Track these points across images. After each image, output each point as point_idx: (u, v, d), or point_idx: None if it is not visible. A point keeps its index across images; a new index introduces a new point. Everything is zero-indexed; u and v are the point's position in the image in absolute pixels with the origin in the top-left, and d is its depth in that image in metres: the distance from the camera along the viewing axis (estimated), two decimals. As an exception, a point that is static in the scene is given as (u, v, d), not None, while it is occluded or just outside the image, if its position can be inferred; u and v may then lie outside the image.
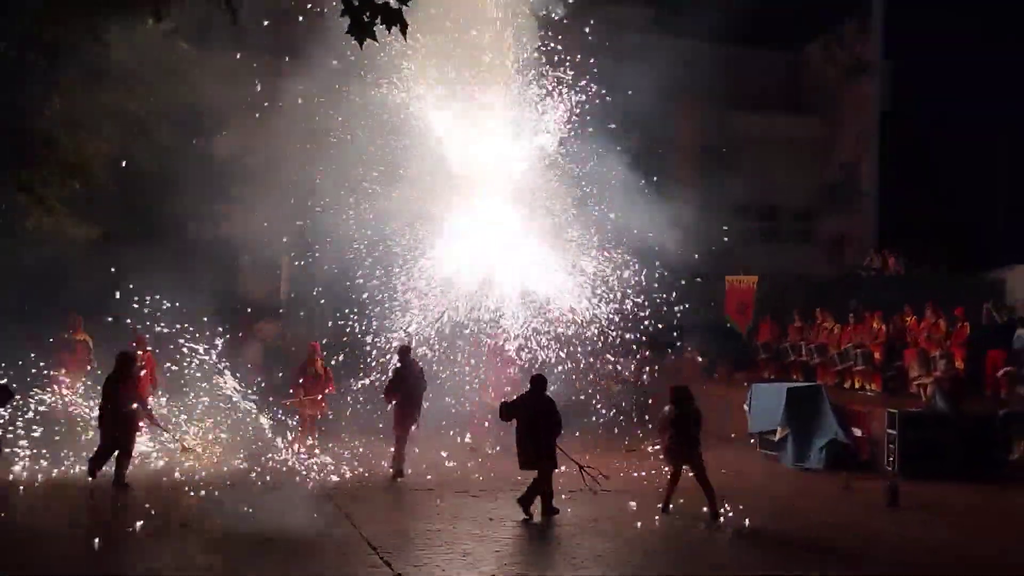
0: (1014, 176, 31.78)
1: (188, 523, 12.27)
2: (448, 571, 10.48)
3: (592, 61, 19.30)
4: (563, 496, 14.24)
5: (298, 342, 22.70)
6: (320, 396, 18.53)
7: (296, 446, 17.43)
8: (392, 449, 16.22)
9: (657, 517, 13.59)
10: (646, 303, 19.98)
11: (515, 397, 14.60)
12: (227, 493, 14.04)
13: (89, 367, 18.84)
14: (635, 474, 16.87)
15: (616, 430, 19.96)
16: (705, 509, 13.61)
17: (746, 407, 20.06)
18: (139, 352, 17.23)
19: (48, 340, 19.18)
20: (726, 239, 24.08)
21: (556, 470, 13.71)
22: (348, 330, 19.61)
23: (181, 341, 18.13)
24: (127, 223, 21.34)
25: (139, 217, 21.65)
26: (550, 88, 18.90)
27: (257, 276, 26.71)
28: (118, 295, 18.67)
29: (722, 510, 13.60)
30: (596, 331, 19.44)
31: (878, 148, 33.94)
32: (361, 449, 17.94)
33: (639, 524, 13.27)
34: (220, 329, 18.90)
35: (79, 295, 20.66)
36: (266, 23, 19.65)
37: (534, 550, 11.91)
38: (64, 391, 18.10)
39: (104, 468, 14.71)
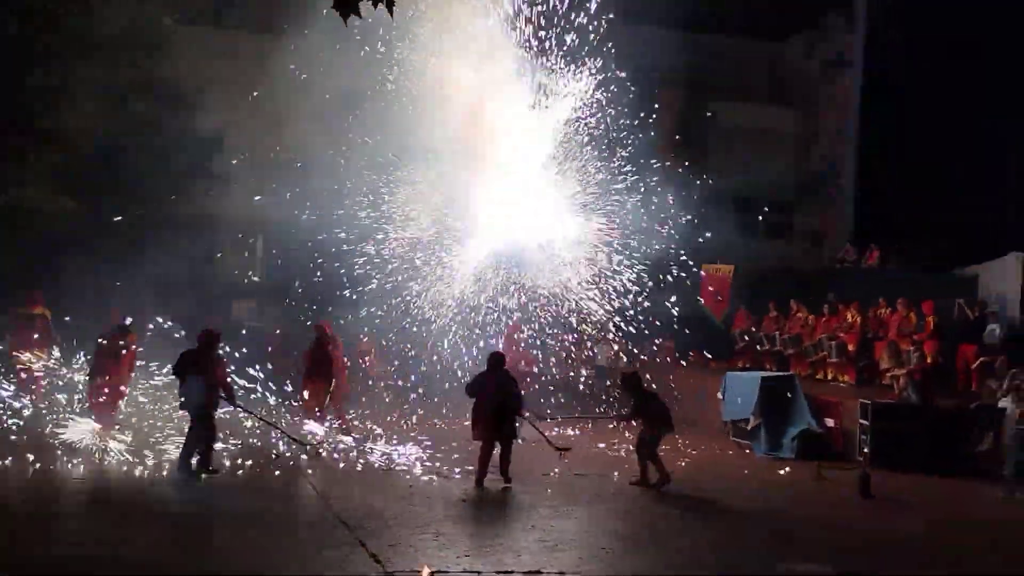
0: (990, 174, 32.00)
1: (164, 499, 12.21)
2: (422, 551, 10.48)
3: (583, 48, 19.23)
4: (536, 481, 14.36)
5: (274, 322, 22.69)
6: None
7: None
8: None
9: (628, 503, 13.66)
10: (623, 291, 20.01)
11: (477, 375, 15.08)
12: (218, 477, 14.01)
13: (53, 343, 18.30)
14: (610, 455, 16.97)
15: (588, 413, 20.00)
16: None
17: (720, 395, 20.20)
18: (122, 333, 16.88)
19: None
20: (707, 233, 24.12)
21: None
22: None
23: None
24: (106, 197, 21.19)
25: (119, 192, 21.49)
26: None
27: (235, 254, 26.59)
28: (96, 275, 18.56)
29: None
30: (574, 317, 19.49)
31: (856, 142, 34.13)
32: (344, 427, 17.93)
33: (610, 510, 13.34)
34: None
35: (57, 271, 20.60)
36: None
37: (508, 532, 11.94)
38: (32, 373, 17.72)
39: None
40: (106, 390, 16.03)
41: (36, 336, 18.00)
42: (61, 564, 9.50)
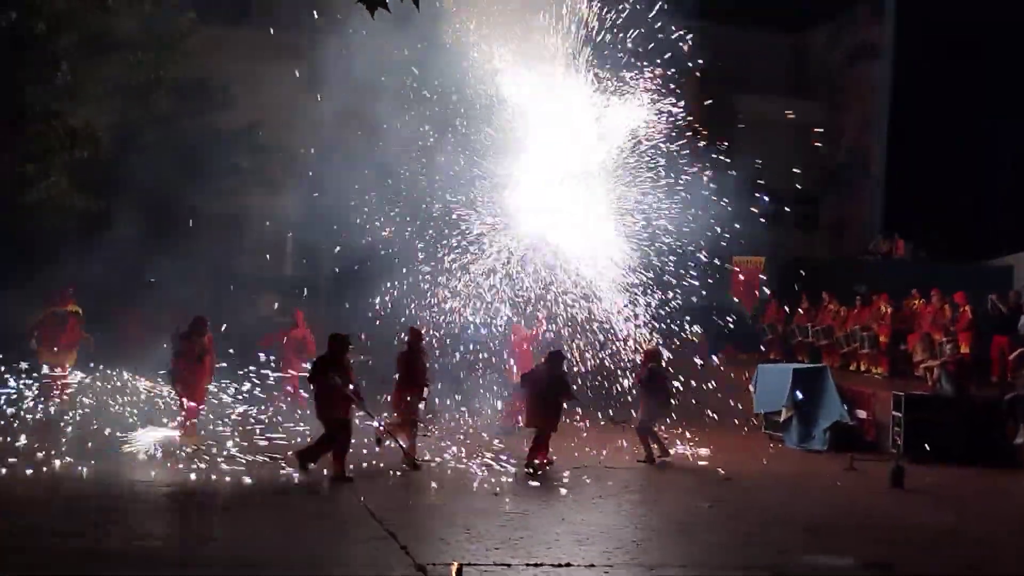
0: (1021, 162, 31.63)
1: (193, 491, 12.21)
2: (453, 543, 10.43)
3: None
4: (566, 473, 14.33)
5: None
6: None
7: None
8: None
9: (657, 495, 13.58)
10: (655, 285, 19.90)
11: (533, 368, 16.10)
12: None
13: (83, 341, 17.88)
14: (638, 449, 16.88)
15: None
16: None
17: (751, 388, 20.07)
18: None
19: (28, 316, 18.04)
20: (736, 225, 23.95)
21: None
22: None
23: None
24: (130, 195, 21.24)
25: (143, 189, 21.55)
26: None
27: (263, 250, 26.60)
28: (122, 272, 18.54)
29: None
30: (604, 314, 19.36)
31: (886, 132, 33.83)
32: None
33: (640, 503, 13.27)
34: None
35: (81, 269, 20.65)
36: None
37: (538, 525, 11.86)
38: (58, 374, 17.32)
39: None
40: (187, 394, 15.66)
41: (66, 336, 17.51)
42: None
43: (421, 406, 15.35)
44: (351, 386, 13.94)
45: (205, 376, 16.10)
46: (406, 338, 16.00)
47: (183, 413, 15.73)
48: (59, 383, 17.38)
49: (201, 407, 16.23)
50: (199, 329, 15.99)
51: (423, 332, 16.39)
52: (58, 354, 17.36)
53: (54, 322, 17.47)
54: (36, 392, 17.01)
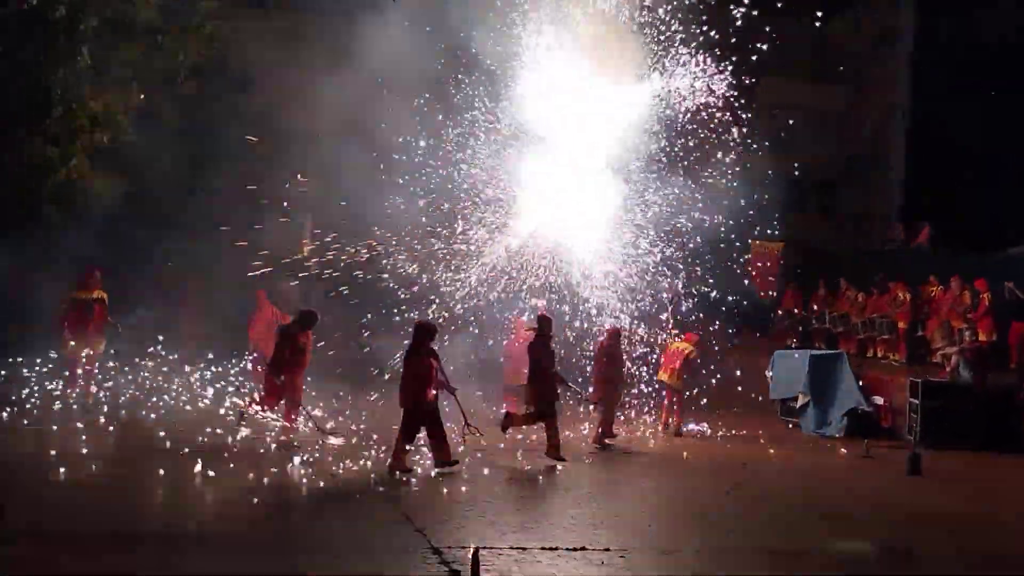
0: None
1: (212, 472, 12.31)
2: (469, 527, 10.50)
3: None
4: (586, 459, 14.39)
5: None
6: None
7: None
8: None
9: (673, 480, 13.63)
10: (670, 270, 19.90)
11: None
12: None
13: (107, 326, 17.16)
14: (652, 437, 16.95)
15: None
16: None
17: (768, 374, 20.06)
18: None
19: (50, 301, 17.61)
20: (752, 211, 23.90)
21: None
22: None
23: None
24: (152, 178, 21.34)
25: (163, 173, 21.64)
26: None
27: (282, 235, 26.65)
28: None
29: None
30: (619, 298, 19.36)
31: (906, 119, 33.67)
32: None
33: (656, 488, 13.32)
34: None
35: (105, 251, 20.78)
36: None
37: (554, 509, 11.92)
38: (85, 365, 16.69)
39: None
40: (290, 389, 14.84)
41: (93, 322, 16.78)
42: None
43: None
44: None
45: (303, 371, 15.36)
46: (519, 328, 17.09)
47: (284, 408, 14.99)
48: (84, 369, 16.77)
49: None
50: (309, 323, 15.30)
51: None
52: (86, 341, 16.69)
53: (80, 308, 16.75)
54: (69, 381, 16.66)
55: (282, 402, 14.82)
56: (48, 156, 18.86)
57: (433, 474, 13.05)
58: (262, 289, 20.10)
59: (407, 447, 13.19)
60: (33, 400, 16.15)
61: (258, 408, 14.95)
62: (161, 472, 11.95)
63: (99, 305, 16.86)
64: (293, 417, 14.83)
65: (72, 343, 16.61)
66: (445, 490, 12.23)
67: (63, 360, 17.09)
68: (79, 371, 16.72)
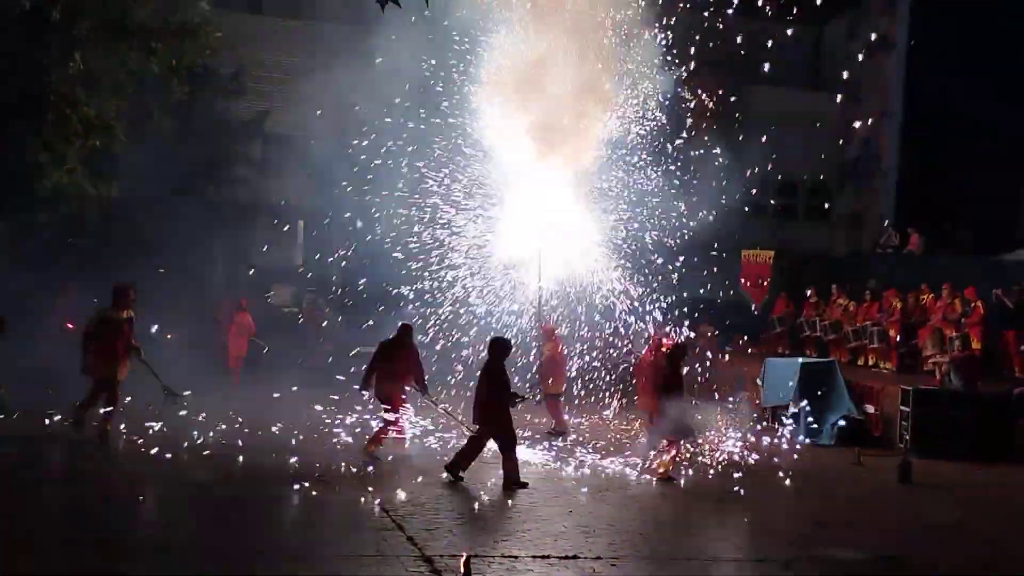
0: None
1: (203, 481, 12.30)
2: (460, 535, 10.52)
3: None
4: (578, 461, 14.41)
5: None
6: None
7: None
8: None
9: (664, 487, 13.65)
10: (660, 277, 19.94)
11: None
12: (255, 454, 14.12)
13: (132, 349, 15.08)
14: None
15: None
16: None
17: (759, 381, 20.07)
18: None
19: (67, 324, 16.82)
20: (746, 219, 24.03)
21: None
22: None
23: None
24: (144, 183, 21.34)
25: (156, 177, 21.65)
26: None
27: (274, 240, 26.72)
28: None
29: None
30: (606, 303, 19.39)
31: (899, 125, 33.76)
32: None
33: (648, 494, 13.34)
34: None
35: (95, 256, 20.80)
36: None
37: (545, 517, 11.93)
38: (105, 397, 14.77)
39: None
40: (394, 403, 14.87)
41: (122, 342, 14.82)
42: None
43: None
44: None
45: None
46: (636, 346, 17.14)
47: (390, 422, 14.92)
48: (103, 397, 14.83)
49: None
50: (407, 336, 15.45)
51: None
52: (111, 365, 14.70)
53: (110, 328, 14.75)
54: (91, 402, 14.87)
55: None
56: (40, 161, 18.79)
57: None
58: (244, 297, 20.28)
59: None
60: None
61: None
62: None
63: (128, 325, 14.99)
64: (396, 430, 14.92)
65: (99, 366, 14.67)
66: (436, 498, 12.24)
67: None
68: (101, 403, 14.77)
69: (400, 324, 15.86)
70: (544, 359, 18.03)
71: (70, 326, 17.36)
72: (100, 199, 20.13)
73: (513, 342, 14.81)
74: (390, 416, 14.83)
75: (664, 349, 16.08)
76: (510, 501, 12.44)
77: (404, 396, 15.21)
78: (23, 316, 17.31)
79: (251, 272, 23.37)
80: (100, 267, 20.72)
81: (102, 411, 14.60)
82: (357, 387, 15.61)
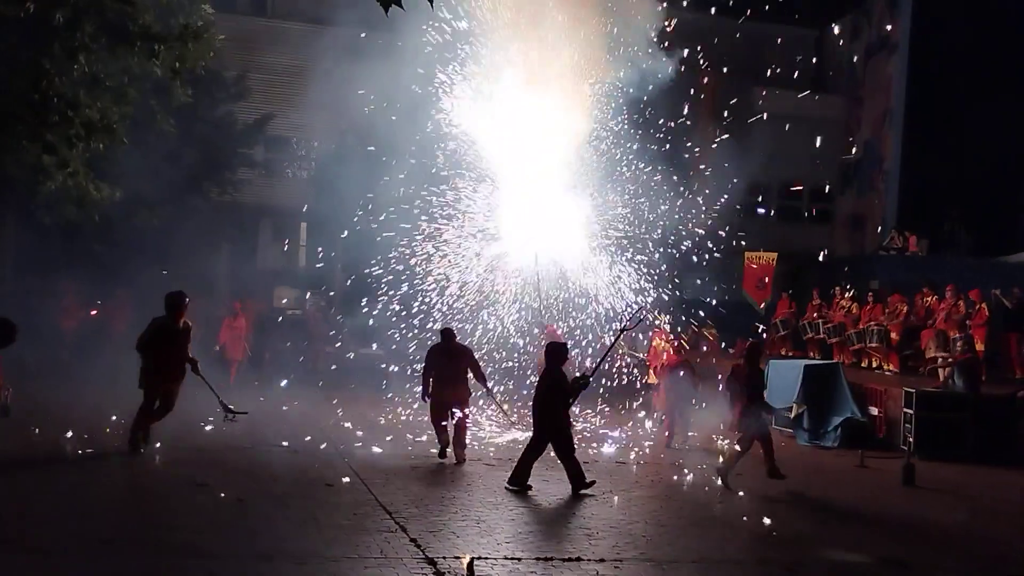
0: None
1: (207, 482, 12.29)
2: (463, 537, 10.51)
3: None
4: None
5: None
6: None
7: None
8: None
9: (667, 490, 13.64)
10: (666, 278, 19.97)
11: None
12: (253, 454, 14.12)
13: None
14: (646, 445, 16.97)
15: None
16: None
17: (763, 383, 20.05)
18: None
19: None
20: (749, 220, 24.01)
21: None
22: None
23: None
24: (147, 185, 21.35)
25: (159, 180, 21.66)
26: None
27: (277, 243, 26.79)
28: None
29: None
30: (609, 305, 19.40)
31: (901, 127, 33.76)
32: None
33: (650, 496, 13.33)
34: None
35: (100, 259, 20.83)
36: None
37: (548, 519, 11.93)
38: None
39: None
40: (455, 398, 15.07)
41: (176, 357, 13.96)
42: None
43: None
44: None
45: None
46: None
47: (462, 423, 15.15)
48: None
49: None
50: (451, 339, 15.57)
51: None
52: (168, 379, 13.96)
53: (168, 339, 13.88)
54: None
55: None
56: (44, 164, 18.79)
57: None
58: (239, 301, 20.39)
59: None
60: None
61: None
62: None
63: (184, 337, 14.11)
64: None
65: (160, 381, 13.87)
66: (440, 500, 12.24)
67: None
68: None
69: (442, 330, 15.94)
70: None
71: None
72: (102, 202, 20.08)
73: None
74: (459, 415, 14.97)
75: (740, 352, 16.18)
76: (513, 503, 12.43)
77: (466, 397, 15.35)
78: (29, 318, 17.27)
79: (254, 274, 23.40)
80: (104, 270, 20.80)
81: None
82: (420, 397, 15.72)
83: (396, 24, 15.15)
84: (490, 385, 16.35)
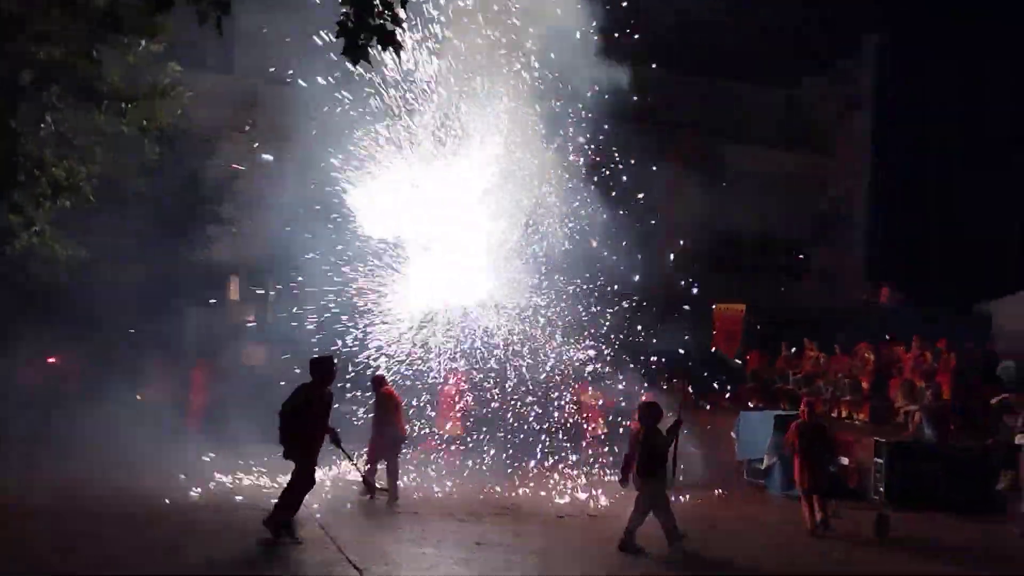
0: (1005, 209, 31.94)
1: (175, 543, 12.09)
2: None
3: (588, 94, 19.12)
4: (556, 518, 14.31)
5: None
6: None
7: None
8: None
9: (647, 544, 13.52)
10: (632, 333, 19.91)
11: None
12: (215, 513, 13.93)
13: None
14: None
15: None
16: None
17: (733, 435, 20.06)
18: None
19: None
20: (720, 274, 24.07)
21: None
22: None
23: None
24: (116, 244, 21.26)
25: (128, 238, 21.58)
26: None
27: (244, 300, 26.67)
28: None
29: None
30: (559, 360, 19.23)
31: (869, 181, 34.22)
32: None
33: (622, 553, 13.20)
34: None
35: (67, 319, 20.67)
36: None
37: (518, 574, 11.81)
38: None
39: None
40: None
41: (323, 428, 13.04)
42: None
43: None
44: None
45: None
46: None
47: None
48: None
49: None
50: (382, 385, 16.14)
51: None
52: (316, 449, 12.95)
53: (314, 408, 12.73)
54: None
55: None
56: (11, 225, 18.70)
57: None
58: (201, 359, 20.30)
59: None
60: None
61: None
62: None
63: (329, 406, 13.16)
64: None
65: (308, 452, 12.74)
66: (409, 556, 12.09)
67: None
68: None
69: (373, 377, 16.29)
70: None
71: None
72: (69, 260, 19.97)
73: None
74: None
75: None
76: (485, 559, 12.26)
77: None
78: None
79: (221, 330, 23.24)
80: (72, 328, 20.63)
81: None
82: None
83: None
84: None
